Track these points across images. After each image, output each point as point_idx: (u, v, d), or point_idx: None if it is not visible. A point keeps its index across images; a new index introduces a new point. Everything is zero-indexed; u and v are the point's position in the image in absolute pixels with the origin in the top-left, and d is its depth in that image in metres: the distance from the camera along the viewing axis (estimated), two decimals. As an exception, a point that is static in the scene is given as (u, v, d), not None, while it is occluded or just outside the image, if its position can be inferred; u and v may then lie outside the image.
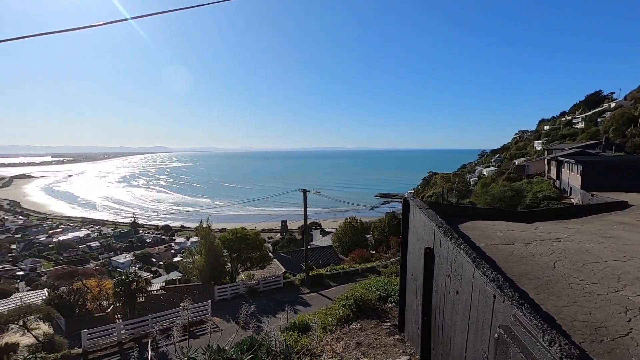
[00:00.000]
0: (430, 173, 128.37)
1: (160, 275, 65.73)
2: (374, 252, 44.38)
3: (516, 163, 68.98)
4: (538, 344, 3.02)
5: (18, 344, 19.02)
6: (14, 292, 50.13)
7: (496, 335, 3.56)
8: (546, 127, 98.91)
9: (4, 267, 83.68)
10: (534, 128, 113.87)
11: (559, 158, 39.08)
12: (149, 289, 23.63)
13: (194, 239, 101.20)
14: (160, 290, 24.35)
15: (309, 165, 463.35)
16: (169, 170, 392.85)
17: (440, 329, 6.11)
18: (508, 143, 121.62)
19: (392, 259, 34.27)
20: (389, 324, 9.63)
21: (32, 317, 19.91)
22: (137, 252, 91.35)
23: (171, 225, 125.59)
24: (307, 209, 27.75)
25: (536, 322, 3.23)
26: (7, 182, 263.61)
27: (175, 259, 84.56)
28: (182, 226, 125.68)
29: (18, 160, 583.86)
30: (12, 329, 20.33)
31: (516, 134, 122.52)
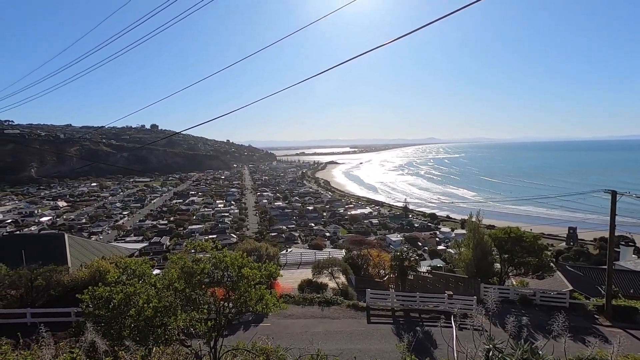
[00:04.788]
0: None
1: (425, 259, 69.87)
2: None
3: None
4: None
5: (327, 285, 25.99)
6: (324, 247, 68.68)
7: None
8: None
9: (319, 228, 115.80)
10: None
11: None
12: (418, 269, 25.80)
13: (459, 230, 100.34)
14: (427, 274, 26.05)
15: (612, 159, 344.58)
16: (432, 161, 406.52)
17: None
18: None
19: None
20: None
21: (336, 268, 26.47)
22: (406, 234, 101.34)
23: (437, 214, 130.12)
24: (615, 217, 21.00)
25: None
26: (323, 166, 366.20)
27: (439, 247, 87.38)
28: (447, 216, 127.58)
29: (329, 150, 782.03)
30: (324, 273, 27.85)
31: None
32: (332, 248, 66.94)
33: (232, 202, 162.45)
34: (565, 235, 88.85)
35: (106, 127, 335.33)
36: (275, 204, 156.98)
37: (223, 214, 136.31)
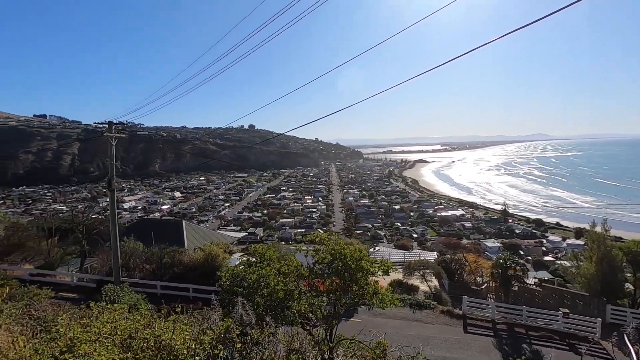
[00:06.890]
0: None
1: (528, 270, 62.28)
2: None
3: None
4: None
5: (418, 287, 25.14)
6: (411, 248, 66.33)
7: None
8: None
9: (405, 228, 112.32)
10: None
11: None
12: (525, 280, 23.23)
13: (572, 240, 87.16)
14: (535, 286, 23.22)
15: None
16: (535, 160, 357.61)
17: None
18: None
19: None
20: None
21: (428, 271, 25.42)
22: (505, 240, 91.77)
23: (544, 220, 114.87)
24: None
25: None
26: (411, 165, 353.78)
27: (546, 258, 77.01)
28: (557, 223, 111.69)
29: (418, 148, 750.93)
30: (415, 274, 26.98)
31: None
32: (420, 250, 64.30)
33: (320, 199, 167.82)
34: None
35: (212, 128, 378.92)
36: (361, 201, 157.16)
37: (311, 210, 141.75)
